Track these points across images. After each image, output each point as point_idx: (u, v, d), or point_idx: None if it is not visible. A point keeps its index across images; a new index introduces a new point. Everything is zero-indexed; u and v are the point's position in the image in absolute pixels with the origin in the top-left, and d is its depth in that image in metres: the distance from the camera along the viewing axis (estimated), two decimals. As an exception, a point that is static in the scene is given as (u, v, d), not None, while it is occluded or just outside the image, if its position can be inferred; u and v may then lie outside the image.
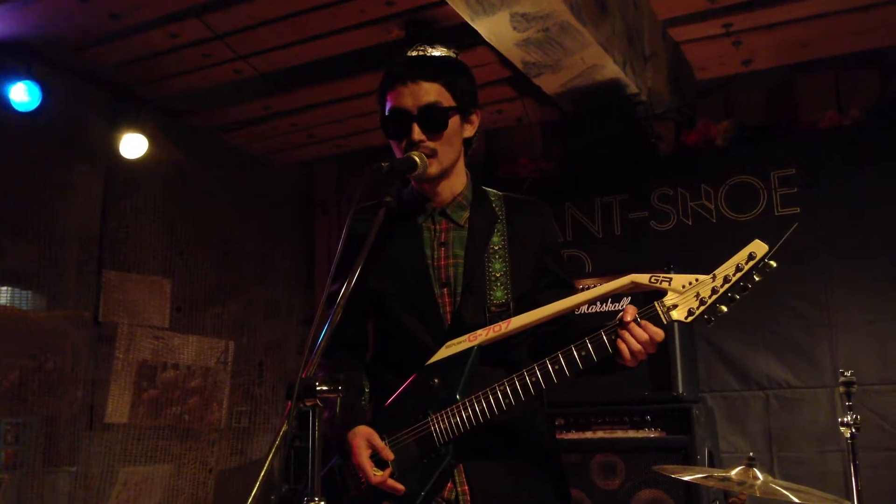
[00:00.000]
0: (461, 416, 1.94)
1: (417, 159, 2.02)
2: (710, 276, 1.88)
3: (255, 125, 5.31)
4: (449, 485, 1.99)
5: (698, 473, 2.75)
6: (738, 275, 1.85)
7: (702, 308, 1.86)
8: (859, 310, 4.17)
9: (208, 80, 4.72)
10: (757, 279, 1.85)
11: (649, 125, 4.62)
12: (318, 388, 1.52)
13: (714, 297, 1.86)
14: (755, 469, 2.56)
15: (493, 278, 2.07)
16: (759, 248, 1.86)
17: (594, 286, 2.11)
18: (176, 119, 5.14)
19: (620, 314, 1.90)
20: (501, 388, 1.93)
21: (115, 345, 4.67)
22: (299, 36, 4.28)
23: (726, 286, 1.86)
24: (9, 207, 4.25)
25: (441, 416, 1.96)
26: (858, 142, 4.31)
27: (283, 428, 1.48)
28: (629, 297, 3.36)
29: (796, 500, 2.43)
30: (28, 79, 4.13)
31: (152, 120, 4.76)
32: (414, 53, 2.13)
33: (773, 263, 1.84)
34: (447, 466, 1.95)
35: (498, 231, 2.13)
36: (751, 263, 1.85)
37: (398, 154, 2.10)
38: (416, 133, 2.05)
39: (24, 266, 4.31)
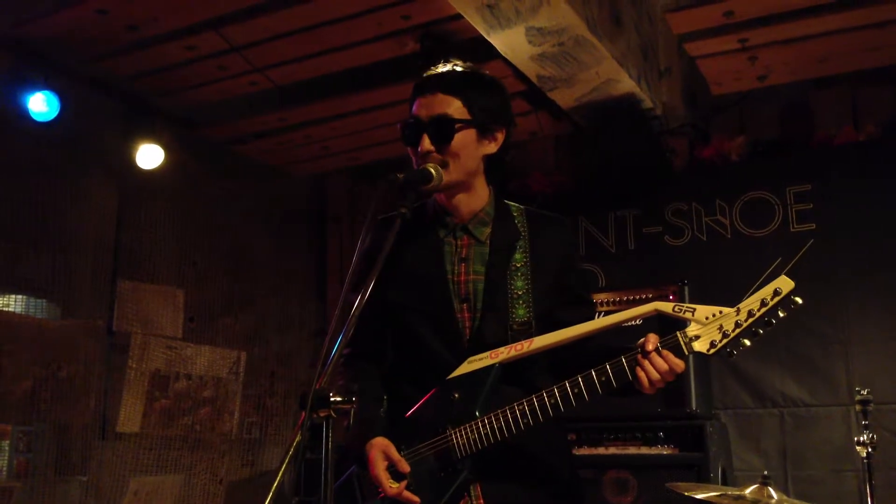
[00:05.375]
0: (479, 433, 1.94)
1: (433, 171, 2.01)
2: (734, 309, 1.86)
3: (270, 137, 5.33)
4: (464, 498, 1.99)
5: (712, 491, 2.72)
6: (763, 310, 1.84)
7: (724, 341, 1.86)
8: (876, 327, 4.13)
9: (224, 92, 4.76)
10: (782, 315, 1.84)
11: (664, 140, 4.61)
12: (331, 399, 1.52)
13: (737, 330, 1.85)
14: (770, 487, 2.53)
15: (515, 296, 2.07)
16: (785, 284, 1.85)
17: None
18: (191, 130, 5.17)
19: (642, 341, 1.89)
20: (520, 407, 1.93)
21: (128, 354, 4.69)
22: (315, 48, 4.30)
23: (750, 320, 1.85)
24: (25, 216, 4.28)
25: (459, 431, 1.97)
26: (874, 158, 4.28)
27: (297, 438, 1.48)
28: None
29: (812, 520, 2.40)
30: (46, 89, 4.17)
31: (168, 131, 4.79)
32: (441, 66, 2.14)
33: (799, 300, 1.83)
34: (463, 481, 1.96)
35: (520, 248, 2.12)
36: (776, 299, 1.84)
37: (414, 161, 2.11)
38: (425, 143, 2.06)
39: (38, 275, 4.33)
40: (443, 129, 2.05)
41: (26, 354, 4.23)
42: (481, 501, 1.99)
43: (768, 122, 4.74)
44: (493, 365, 1.99)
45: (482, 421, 1.95)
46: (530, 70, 3.85)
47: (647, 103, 4.21)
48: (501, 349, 2.00)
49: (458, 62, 2.16)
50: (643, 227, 4.79)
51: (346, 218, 6.06)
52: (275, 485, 1.45)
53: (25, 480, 4.18)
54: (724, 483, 3.83)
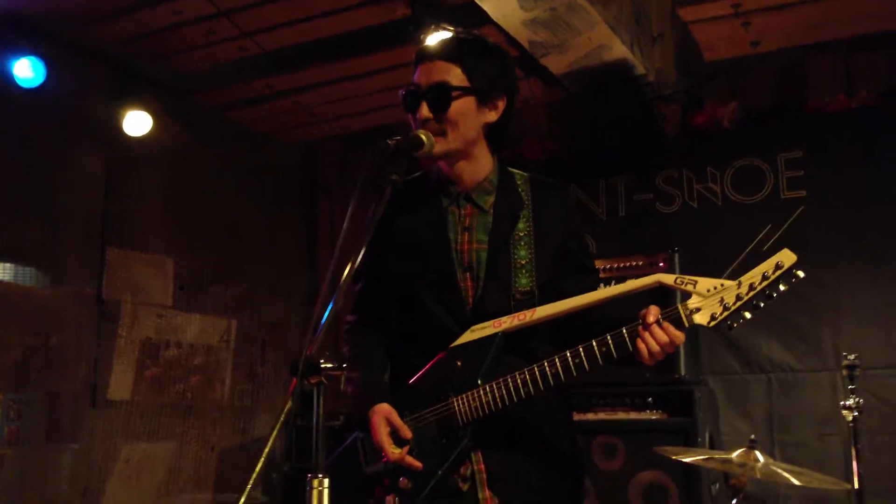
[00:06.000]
0: (481, 401, 1.96)
1: (424, 137, 2.00)
2: (736, 282, 1.87)
3: (259, 104, 5.28)
4: (465, 464, 2.01)
5: (699, 455, 2.76)
6: (764, 283, 1.86)
7: (725, 314, 1.87)
8: (863, 294, 4.16)
9: (212, 57, 4.69)
10: (783, 289, 1.86)
11: (656, 106, 4.58)
12: (322, 366, 1.52)
13: (738, 303, 1.87)
14: (756, 451, 2.56)
15: (518, 265, 2.07)
16: (787, 257, 1.86)
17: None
18: (179, 97, 5.11)
19: (643, 313, 1.90)
20: (521, 376, 1.94)
21: (118, 322, 4.68)
22: (305, 13, 4.24)
23: (751, 294, 1.86)
24: (12, 184, 4.24)
25: (462, 398, 1.98)
26: (867, 125, 4.28)
27: (287, 405, 1.48)
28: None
29: (797, 482, 2.44)
30: (32, 55, 4.11)
31: (156, 98, 4.73)
32: (441, 32, 2.13)
33: (801, 274, 1.85)
34: (465, 447, 1.99)
35: (524, 217, 2.11)
36: (778, 273, 1.85)
37: (414, 128, 2.09)
38: (423, 110, 2.05)
39: (27, 243, 4.31)
40: (440, 96, 2.04)
41: (16, 323, 4.22)
42: (482, 467, 2.01)
43: (761, 89, 4.72)
44: (496, 334, 2.00)
45: (484, 389, 1.96)
46: (522, 36, 3.81)
47: (640, 69, 4.18)
48: (504, 318, 2.01)
49: (451, 28, 2.14)
50: (634, 194, 4.79)
51: (337, 186, 6.04)
52: (265, 451, 1.45)
53: (17, 448, 4.19)
54: (712, 447, 3.88)
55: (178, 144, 5.00)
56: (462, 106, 2.05)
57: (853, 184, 4.23)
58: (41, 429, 4.27)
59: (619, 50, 3.94)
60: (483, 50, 2.12)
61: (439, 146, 2.05)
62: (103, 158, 4.70)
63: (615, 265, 4.08)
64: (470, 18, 3.80)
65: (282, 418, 1.46)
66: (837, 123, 4.35)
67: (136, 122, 4.60)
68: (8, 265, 4.31)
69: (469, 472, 2.01)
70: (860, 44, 4.49)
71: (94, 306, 4.60)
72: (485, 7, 3.52)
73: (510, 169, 2.22)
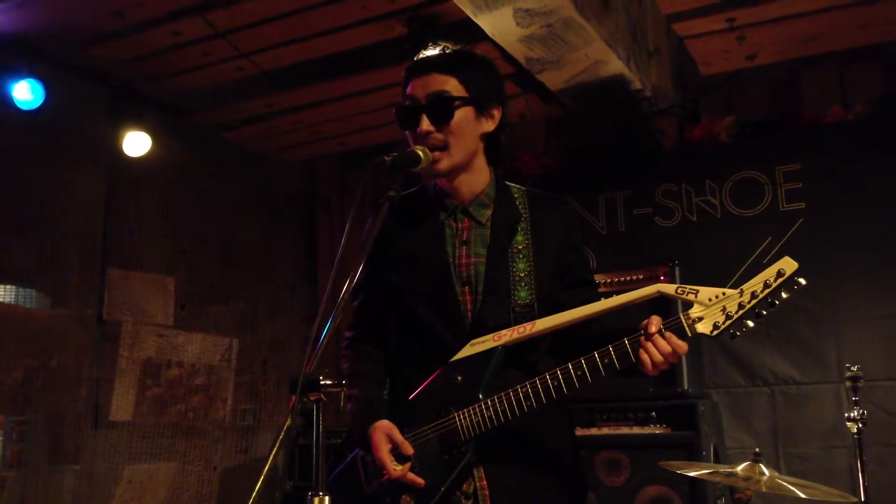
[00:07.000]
0: (483, 416, 1.95)
1: (421, 153, 1.99)
2: (738, 291, 1.86)
3: (258, 123, 5.31)
4: (468, 480, 2.00)
5: (704, 469, 2.74)
6: (766, 291, 1.85)
7: (727, 322, 1.86)
8: (865, 305, 4.15)
9: (211, 77, 4.72)
10: (785, 296, 1.85)
11: (653, 121, 4.60)
12: (321, 383, 1.52)
13: (740, 312, 1.85)
14: (761, 465, 2.55)
15: (517, 278, 2.06)
16: (788, 265, 1.85)
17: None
18: (178, 117, 5.14)
19: (645, 323, 1.89)
20: (524, 389, 1.93)
21: (119, 343, 4.68)
22: (302, 33, 4.27)
23: (753, 302, 1.85)
24: (12, 205, 4.25)
25: (463, 413, 1.97)
26: (863, 136, 4.28)
27: (287, 422, 1.48)
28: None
29: (803, 496, 2.42)
30: (31, 77, 4.13)
31: (155, 118, 4.75)
32: (431, 48, 2.13)
33: (803, 281, 1.84)
34: (467, 463, 1.97)
35: (521, 230, 2.10)
36: (779, 280, 1.85)
37: (412, 144, 2.08)
38: (425, 123, 2.03)
39: (27, 264, 4.31)
40: (442, 107, 2.03)
41: (16, 344, 4.22)
42: (484, 483, 1.99)
43: (757, 102, 4.74)
44: (496, 347, 1.99)
45: (486, 403, 1.95)
46: (518, 52, 3.83)
47: (636, 84, 4.20)
48: (504, 332, 1.99)
49: (447, 45, 2.15)
50: (633, 208, 4.79)
51: (336, 203, 6.05)
52: (265, 469, 1.44)
53: (19, 470, 4.18)
54: (716, 461, 3.86)
55: (178, 164, 5.02)
56: (463, 116, 2.05)
57: (851, 195, 4.23)
58: (43, 450, 4.26)
59: (615, 65, 3.95)
60: (475, 61, 2.13)
61: (445, 162, 2.03)
62: (103, 179, 4.71)
63: (615, 279, 4.07)
64: (466, 36, 3.80)
65: (281, 436, 1.46)
66: (834, 135, 4.35)
67: (136, 143, 4.61)
68: (8, 286, 4.31)
69: (471, 488, 2.00)
70: (854, 56, 4.51)
71: (95, 327, 4.60)
72: (481, 24, 3.54)
73: (507, 183, 2.22)
